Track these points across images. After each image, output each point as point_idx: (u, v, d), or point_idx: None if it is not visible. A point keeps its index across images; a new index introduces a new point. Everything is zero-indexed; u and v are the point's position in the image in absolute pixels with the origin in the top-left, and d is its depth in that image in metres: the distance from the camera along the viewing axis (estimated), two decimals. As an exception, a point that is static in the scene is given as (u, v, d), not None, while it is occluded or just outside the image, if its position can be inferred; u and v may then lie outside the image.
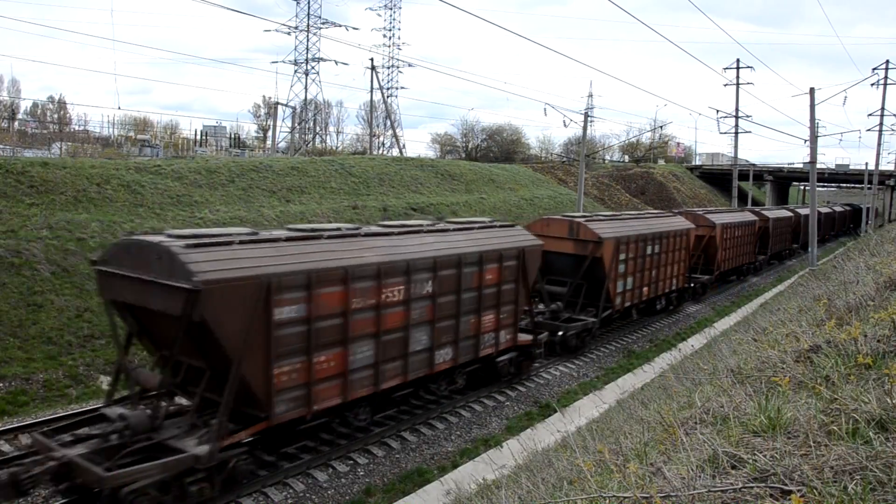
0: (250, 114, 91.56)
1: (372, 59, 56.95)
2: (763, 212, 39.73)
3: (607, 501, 3.67)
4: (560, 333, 17.90)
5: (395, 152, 58.70)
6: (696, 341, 19.32)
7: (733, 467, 3.67)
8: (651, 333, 22.70)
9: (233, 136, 78.09)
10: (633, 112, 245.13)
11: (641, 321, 23.55)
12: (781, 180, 75.41)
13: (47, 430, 9.99)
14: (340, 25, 78.41)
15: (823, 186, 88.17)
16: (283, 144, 62.14)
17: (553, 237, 18.62)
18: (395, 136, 62.88)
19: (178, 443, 9.33)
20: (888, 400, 3.91)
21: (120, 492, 8.41)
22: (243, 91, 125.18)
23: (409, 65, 78.02)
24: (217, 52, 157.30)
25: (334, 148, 78.23)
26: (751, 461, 3.61)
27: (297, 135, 64.98)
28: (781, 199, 76.66)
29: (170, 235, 9.85)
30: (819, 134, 39.53)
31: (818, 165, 35.69)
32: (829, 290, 11.19)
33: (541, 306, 18.92)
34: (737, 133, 52.01)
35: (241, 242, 9.86)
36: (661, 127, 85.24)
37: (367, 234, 11.93)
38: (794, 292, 20.21)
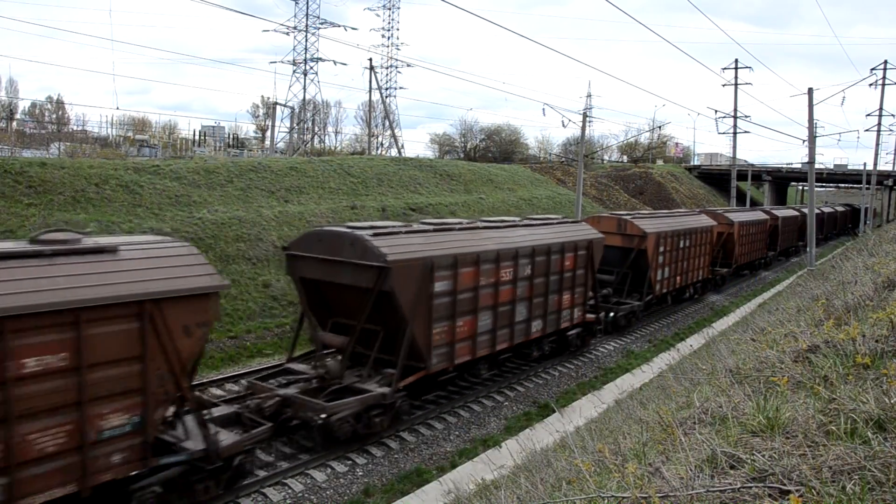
0: (249, 114, 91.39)
1: (371, 60, 56.78)
2: (773, 211, 42.29)
3: (606, 501, 3.67)
4: (612, 314, 20.98)
5: (394, 152, 58.66)
6: (694, 341, 19.34)
7: (732, 467, 3.67)
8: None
9: (231, 136, 78.00)
10: (631, 112, 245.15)
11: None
12: (780, 180, 75.41)
13: (256, 378, 12.49)
14: (339, 25, 78.23)
15: (822, 186, 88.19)
16: (281, 145, 62.05)
17: (603, 232, 20.44)
18: (393, 136, 62.85)
19: (363, 386, 12.00)
20: (886, 400, 3.92)
21: (330, 419, 10.97)
22: (242, 91, 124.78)
23: (408, 65, 78.03)
24: (216, 52, 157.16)
25: (333, 148, 78.08)
26: (749, 461, 3.61)
27: (295, 135, 64.89)
28: (780, 199, 76.70)
29: (350, 227, 12.72)
30: (817, 134, 39.73)
31: (817, 165, 35.94)
32: (828, 290, 11.21)
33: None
34: (735, 133, 52.07)
35: (406, 233, 12.88)
36: (660, 127, 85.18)
37: (483, 227, 14.95)
38: (793, 292, 20.24)
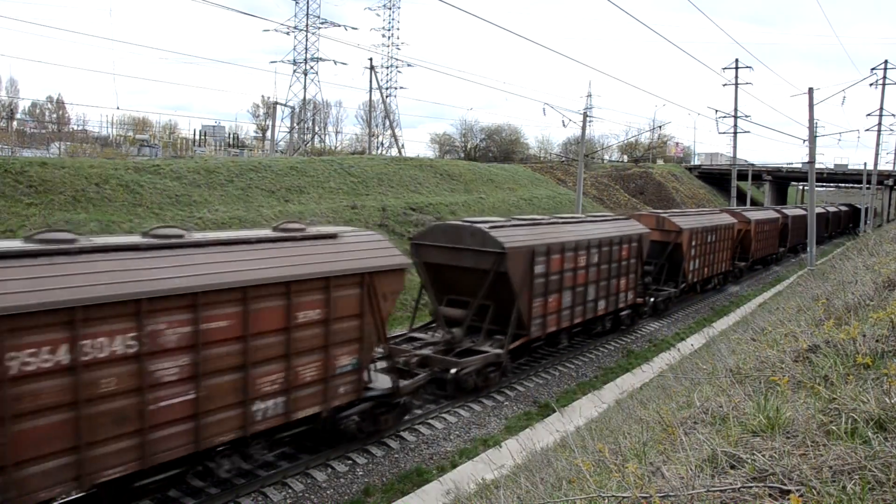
0: (249, 114, 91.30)
1: (371, 59, 56.72)
2: (784, 210, 45.21)
3: (606, 501, 3.66)
4: (651, 300, 23.76)
5: (394, 152, 58.62)
6: (694, 341, 19.34)
7: (732, 467, 3.66)
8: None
9: (232, 135, 77.95)
10: (631, 112, 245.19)
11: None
12: (780, 180, 75.32)
13: (393, 343, 14.30)
14: (339, 25, 78.12)
15: (822, 186, 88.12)
16: (282, 144, 62.03)
17: None
18: (393, 135, 62.78)
19: (480, 348, 15.02)
20: (887, 400, 3.92)
21: (460, 372, 13.94)
22: (242, 91, 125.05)
23: (409, 65, 77.79)
24: (216, 52, 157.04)
25: (333, 148, 78.02)
26: (750, 461, 3.61)
27: (296, 135, 64.88)
28: (780, 199, 76.61)
29: (468, 221, 15.83)
30: (818, 134, 39.75)
31: (817, 165, 35.93)
32: (828, 290, 11.21)
33: None
34: (735, 133, 52.00)
35: (511, 226, 15.89)
36: (660, 127, 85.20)
37: (562, 223, 17.98)
38: (793, 292, 20.25)
